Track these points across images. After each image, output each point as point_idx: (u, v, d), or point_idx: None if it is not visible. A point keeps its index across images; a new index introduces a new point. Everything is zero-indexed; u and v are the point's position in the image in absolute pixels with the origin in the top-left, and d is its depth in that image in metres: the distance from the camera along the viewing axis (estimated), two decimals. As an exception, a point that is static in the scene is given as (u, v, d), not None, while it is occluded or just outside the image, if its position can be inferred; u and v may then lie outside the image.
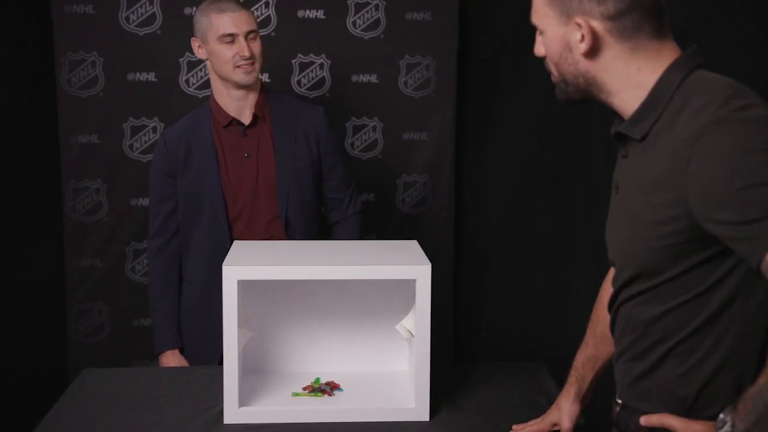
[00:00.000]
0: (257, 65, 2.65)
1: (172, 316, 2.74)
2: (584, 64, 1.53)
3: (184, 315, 2.78)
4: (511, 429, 2.02)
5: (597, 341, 1.91)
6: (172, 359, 2.72)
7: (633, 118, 1.51)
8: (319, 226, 2.89)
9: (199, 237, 2.70)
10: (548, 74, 1.66)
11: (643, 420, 1.56)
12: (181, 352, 2.75)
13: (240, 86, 2.66)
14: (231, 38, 2.60)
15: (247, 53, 2.60)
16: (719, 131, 1.34)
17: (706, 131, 1.35)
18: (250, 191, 2.69)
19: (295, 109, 2.80)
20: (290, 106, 2.80)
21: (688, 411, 1.51)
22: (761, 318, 1.43)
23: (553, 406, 1.99)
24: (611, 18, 1.48)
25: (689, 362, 1.50)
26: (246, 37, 2.61)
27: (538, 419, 2.00)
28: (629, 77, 1.51)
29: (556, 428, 1.97)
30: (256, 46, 2.65)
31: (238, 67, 2.62)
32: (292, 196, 2.71)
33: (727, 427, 1.36)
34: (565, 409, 1.95)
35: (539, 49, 1.64)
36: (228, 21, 2.60)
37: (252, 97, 2.72)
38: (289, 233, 2.72)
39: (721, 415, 1.38)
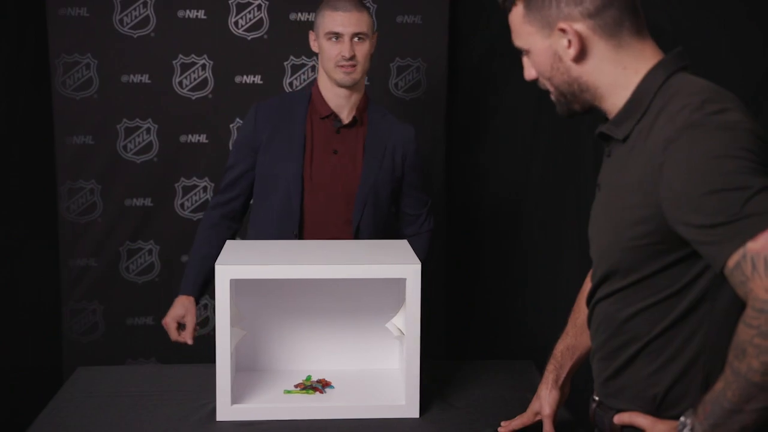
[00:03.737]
0: (359, 68, 2.63)
1: (200, 268, 2.63)
2: (575, 70, 1.55)
3: None
4: (500, 426, 2.04)
5: (577, 331, 1.93)
6: (179, 302, 2.58)
7: (615, 118, 1.54)
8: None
9: (267, 220, 2.67)
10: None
11: (616, 419, 1.59)
12: (196, 302, 2.63)
13: (340, 85, 2.66)
14: (336, 37, 2.59)
15: (347, 54, 2.58)
16: (691, 136, 1.37)
17: (680, 135, 1.37)
18: (329, 188, 2.67)
19: (390, 122, 2.79)
20: (386, 118, 2.79)
21: (657, 409, 1.54)
22: (729, 319, 1.43)
23: (534, 397, 2.00)
24: (592, 15, 1.50)
25: (658, 361, 1.52)
26: (352, 38, 2.60)
27: (523, 413, 2.02)
28: (617, 78, 1.53)
29: (539, 417, 1.98)
30: (362, 49, 2.62)
31: (339, 66, 2.61)
32: (369, 204, 2.69)
33: (686, 430, 1.40)
34: (545, 396, 1.96)
35: (529, 73, 1.65)
36: (337, 20, 2.59)
37: (354, 99, 2.70)
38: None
39: (682, 418, 1.42)
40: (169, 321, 2.54)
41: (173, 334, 2.54)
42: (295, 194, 2.64)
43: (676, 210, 1.38)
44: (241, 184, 2.72)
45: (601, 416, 1.65)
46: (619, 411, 1.60)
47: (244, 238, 2.78)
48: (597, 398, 1.68)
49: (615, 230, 1.52)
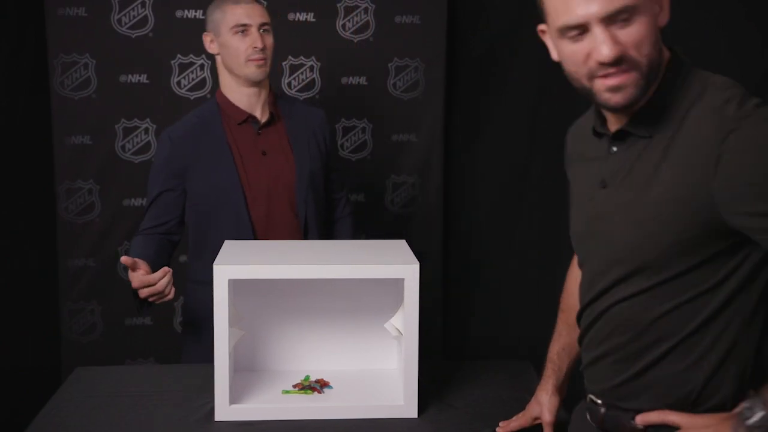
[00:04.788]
0: (269, 60, 2.62)
1: (140, 251, 2.50)
2: (659, 41, 1.47)
3: (203, 321, 2.58)
4: (498, 426, 2.03)
5: (570, 330, 1.89)
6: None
7: (639, 115, 1.49)
8: (327, 227, 2.88)
9: (218, 236, 2.57)
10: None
11: (639, 419, 1.54)
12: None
13: (251, 82, 2.62)
14: (244, 29, 2.57)
15: (260, 44, 2.56)
16: (749, 127, 1.35)
17: (736, 127, 1.35)
18: (267, 190, 2.64)
19: (302, 109, 2.79)
20: (296, 107, 2.79)
21: (692, 404, 1.50)
22: (760, 308, 1.44)
23: (533, 401, 1.99)
24: None
25: (692, 358, 1.49)
26: (259, 29, 2.59)
27: (520, 414, 2.01)
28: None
29: (537, 422, 1.97)
30: (269, 41, 2.61)
31: (250, 60, 2.58)
32: (310, 195, 2.69)
33: (758, 412, 1.35)
34: (545, 402, 1.95)
35: (615, 47, 1.41)
36: (242, 12, 2.58)
37: (264, 95, 2.68)
38: (306, 233, 2.70)
39: (745, 404, 1.38)
40: (134, 281, 2.31)
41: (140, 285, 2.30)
42: (240, 205, 2.61)
43: (738, 199, 1.35)
44: (176, 210, 2.65)
45: (614, 419, 1.60)
46: (639, 411, 1.55)
47: (193, 263, 2.72)
48: (599, 401, 1.63)
49: (647, 227, 1.46)
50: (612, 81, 1.42)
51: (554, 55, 1.53)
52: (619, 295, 1.54)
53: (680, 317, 1.48)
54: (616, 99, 1.44)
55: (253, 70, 2.59)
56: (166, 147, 2.64)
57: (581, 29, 1.41)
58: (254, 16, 2.58)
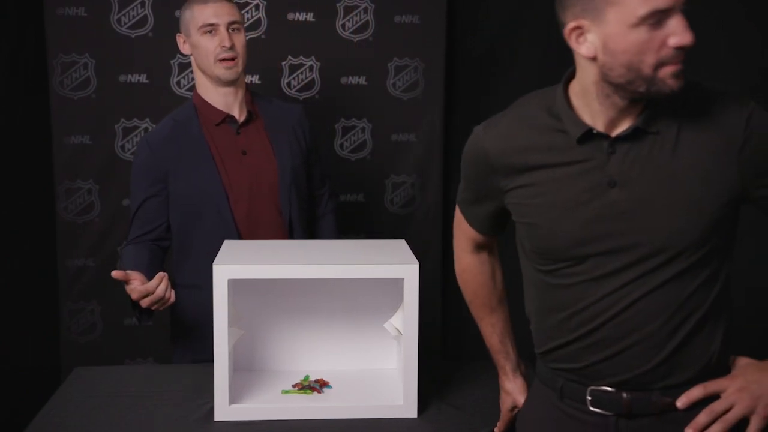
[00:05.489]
0: (239, 61, 2.58)
1: (134, 261, 2.48)
2: None
3: (192, 325, 2.62)
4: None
5: (499, 313, 1.98)
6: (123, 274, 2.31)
7: (651, 112, 1.57)
8: (311, 224, 2.87)
9: (203, 238, 2.59)
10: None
11: (682, 402, 1.59)
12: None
13: (223, 82, 2.60)
14: (212, 28, 2.54)
15: (227, 43, 2.53)
16: (759, 109, 1.55)
17: (752, 114, 1.54)
18: (249, 190, 2.62)
19: (280, 106, 2.78)
20: (274, 104, 2.77)
21: (714, 370, 1.62)
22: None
23: (501, 395, 1.99)
24: None
25: (710, 326, 1.61)
26: (228, 28, 2.56)
27: (500, 417, 2.01)
28: None
29: (516, 411, 1.95)
30: (239, 39, 2.58)
31: (219, 60, 2.55)
32: (293, 192, 2.67)
33: None
34: (512, 388, 1.95)
35: (690, 34, 1.50)
36: (209, 11, 2.55)
37: (241, 94, 2.66)
38: (291, 231, 2.69)
39: None
40: (132, 293, 2.27)
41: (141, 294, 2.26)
42: (223, 207, 2.59)
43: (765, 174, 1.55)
44: (162, 215, 2.63)
45: (645, 402, 1.62)
46: (669, 389, 1.61)
47: (178, 267, 2.71)
48: (613, 389, 1.64)
49: (681, 214, 1.55)
50: (681, 66, 1.50)
51: (589, 52, 1.54)
52: (653, 282, 1.58)
53: (705, 290, 1.59)
54: (678, 83, 1.51)
55: (222, 71, 2.57)
56: (145, 153, 2.62)
57: (660, 16, 1.46)
58: (222, 14, 2.55)
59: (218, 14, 2.55)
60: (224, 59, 2.56)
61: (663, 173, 1.55)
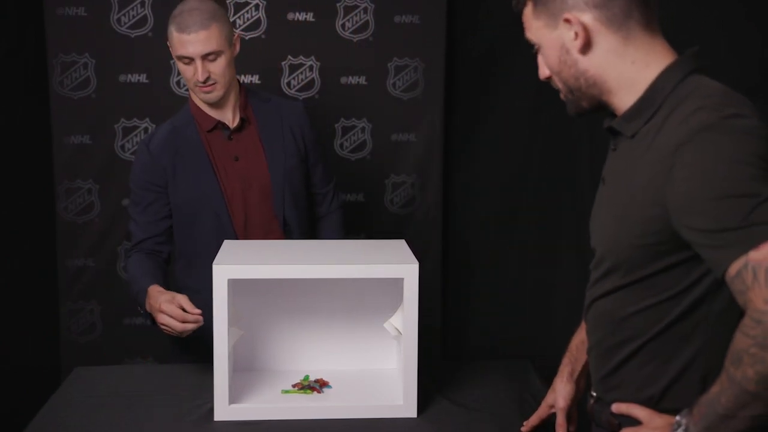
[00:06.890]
0: (219, 85, 2.53)
1: (147, 276, 2.48)
2: (583, 63, 1.54)
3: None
4: (522, 426, 2.04)
5: None
6: (155, 290, 2.36)
7: (626, 114, 1.53)
8: (311, 224, 2.86)
9: (203, 241, 2.59)
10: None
11: (614, 407, 1.60)
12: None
13: (206, 103, 2.60)
14: (187, 61, 2.50)
15: (201, 78, 2.48)
16: (705, 138, 1.36)
17: (692, 138, 1.37)
18: (242, 194, 2.63)
19: (277, 106, 2.75)
20: (271, 104, 2.74)
21: (655, 405, 1.55)
22: (727, 322, 1.43)
23: (549, 390, 2.01)
24: (598, 6, 1.50)
25: (655, 362, 1.53)
26: (204, 58, 2.48)
27: (539, 408, 2.03)
28: (625, 72, 1.52)
29: (553, 410, 1.98)
30: (217, 67, 2.50)
31: (197, 86, 2.53)
32: (287, 194, 2.66)
33: (680, 430, 1.40)
34: (560, 389, 1.96)
35: (543, 71, 1.64)
36: (183, 43, 2.47)
37: (233, 102, 2.64)
38: (287, 233, 2.68)
39: (678, 417, 1.43)
40: (166, 308, 2.25)
41: (180, 317, 2.23)
42: (222, 211, 2.60)
43: (683, 212, 1.38)
44: (166, 220, 2.64)
45: (599, 411, 1.66)
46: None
47: (176, 270, 2.74)
48: (595, 394, 1.69)
49: (619, 226, 1.51)
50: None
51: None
52: (601, 289, 1.60)
53: (647, 319, 1.53)
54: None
55: (203, 95, 2.55)
56: (145, 157, 2.62)
57: None
58: (196, 47, 2.46)
59: (193, 47, 2.47)
60: (200, 87, 2.53)
61: (618, 179, 1.55)
